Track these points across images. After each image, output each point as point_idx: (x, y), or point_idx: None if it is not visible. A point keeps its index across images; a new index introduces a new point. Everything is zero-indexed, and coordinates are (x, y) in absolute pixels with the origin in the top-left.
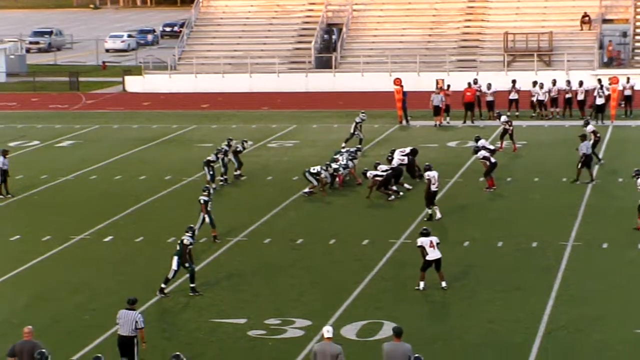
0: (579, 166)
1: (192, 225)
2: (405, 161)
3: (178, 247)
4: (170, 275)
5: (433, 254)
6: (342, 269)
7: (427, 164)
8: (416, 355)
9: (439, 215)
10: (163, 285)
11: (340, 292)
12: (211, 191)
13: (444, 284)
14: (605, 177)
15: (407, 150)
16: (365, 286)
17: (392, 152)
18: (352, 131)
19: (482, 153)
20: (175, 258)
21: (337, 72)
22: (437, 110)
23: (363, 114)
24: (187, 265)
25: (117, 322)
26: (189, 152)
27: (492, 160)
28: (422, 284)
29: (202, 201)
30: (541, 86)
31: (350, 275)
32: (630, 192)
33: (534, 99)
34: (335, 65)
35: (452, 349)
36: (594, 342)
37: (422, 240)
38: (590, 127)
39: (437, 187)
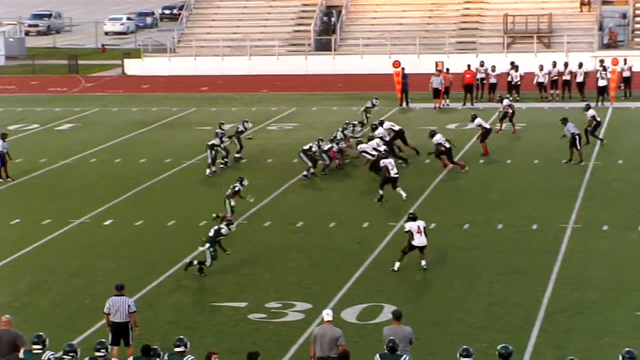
0: (578, 148)
1: (230, 218)
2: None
3: (211, 234)
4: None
5: (419, 240)
6: (342, 252)
7: (383, 151)
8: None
9: (404, 195)
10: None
11: (341, 275)
12: (244, 183)
13: (423, 262)
14: (605, 158)
15: (397, 128)
16: (366, 269)
17: (381, 123)
18: (365, 116)
19: (437, 139)
20: (207, 245)
21: (336, 54)
22: (436, 93)
23: (376, 100)
24: (212, 249)
25: (105, 311)
26: (188, 135)
27: (447, 145)
28: (397, 265)
29: (236, 189)
30: (541, 68)
31: (351, 259)
32: (630, 174)
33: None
34: (335, 47)
35: (452, 331)
36: (594, 325)
37: (410, 225)
38: (590, 112)
39: (396, 174)
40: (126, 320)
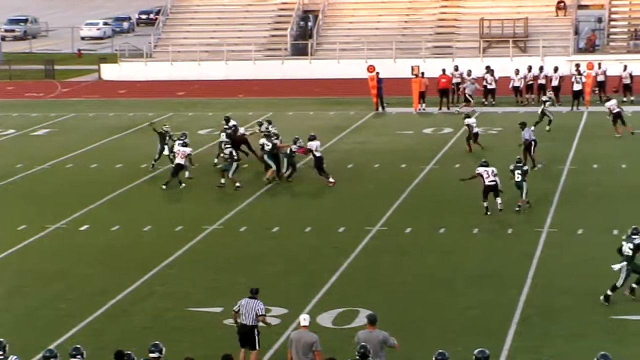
0: (531, 153)
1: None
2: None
3: (629, 252)
4: (619, 283)
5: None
6: (318, 257)
7: (483, 160)
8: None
9: (499, 205)
10: (609, 293)
11: (317, 280)
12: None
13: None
14: (580, 162)
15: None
16: (342, 274)
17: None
18: (540, 113)
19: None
20: (624, 264)
21: (313, 59)
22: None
23: (551, 93)
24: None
25: (235, 309)
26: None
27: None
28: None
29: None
30: (516, 72)
31: (327, 263)
32: (605, 178)
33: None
34: (311, 52)
35: (428, 335)
36: (569, 328)
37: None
38: None
39: (491, 181)
40: (253, 324)
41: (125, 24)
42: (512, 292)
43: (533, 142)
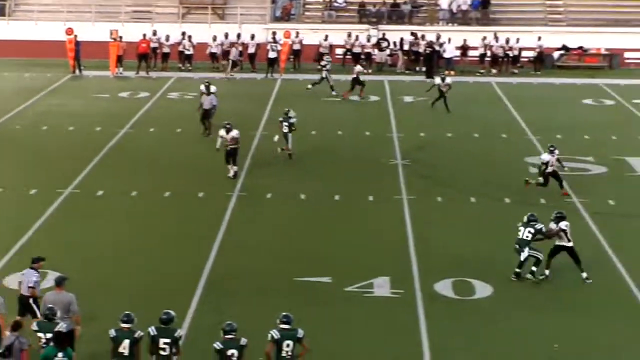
0: (210, 118)
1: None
2: None
3: (529, 236)
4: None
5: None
6: (6, 220)
7: (227, 123)
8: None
9: (232, 172)
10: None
11: (4, 243)
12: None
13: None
14: (270, 128)
15: None
16: (31, 237)
17: None
18: (322, 76)
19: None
20: (527, 250)
21: (10, 20)
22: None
23: (328, 57)
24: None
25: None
26: None
27: None
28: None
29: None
30: (214, 39)
31: (14, 227)
32: (295, 143)
33: (208, 51)
34: (9, 13)
35: (116, 297)
36: (254, 290)
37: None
38: (448, 80)
39: (236, 145)
40: (28, 294)
41: None
42: (201, 254)
43: (213, 109)
